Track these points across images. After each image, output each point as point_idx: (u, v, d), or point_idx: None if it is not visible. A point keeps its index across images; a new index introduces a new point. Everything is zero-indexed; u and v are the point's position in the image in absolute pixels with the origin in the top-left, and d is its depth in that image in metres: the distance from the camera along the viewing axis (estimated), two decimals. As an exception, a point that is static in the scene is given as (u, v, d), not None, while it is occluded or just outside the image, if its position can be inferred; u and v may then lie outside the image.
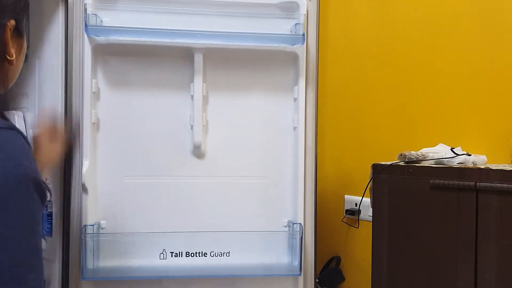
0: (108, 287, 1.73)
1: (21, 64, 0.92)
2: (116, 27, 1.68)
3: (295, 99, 1.82)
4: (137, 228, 1.74)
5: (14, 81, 0.93)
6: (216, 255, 1.78)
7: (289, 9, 1.79)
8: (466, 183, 1.27)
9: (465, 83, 1.66)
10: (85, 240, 1.67)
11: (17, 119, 1.79)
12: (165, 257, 1.76)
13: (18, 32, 0.89)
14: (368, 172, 1.51)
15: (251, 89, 1.83)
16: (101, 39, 1.71)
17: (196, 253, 1.77)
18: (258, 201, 1.84)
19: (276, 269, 1.81)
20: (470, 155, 1.43)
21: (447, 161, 1.42)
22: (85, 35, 1.68)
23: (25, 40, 0.93)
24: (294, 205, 1.81)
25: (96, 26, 1.67)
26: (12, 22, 0.86)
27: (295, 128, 1.82)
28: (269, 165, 1.84)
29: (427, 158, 1.44)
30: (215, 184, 1.80)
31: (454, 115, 1.68)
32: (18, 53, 0.89)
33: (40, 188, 0.76)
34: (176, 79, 1.79)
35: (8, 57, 0.85)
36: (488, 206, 1.24)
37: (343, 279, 2.07)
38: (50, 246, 1.71)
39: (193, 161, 1.80)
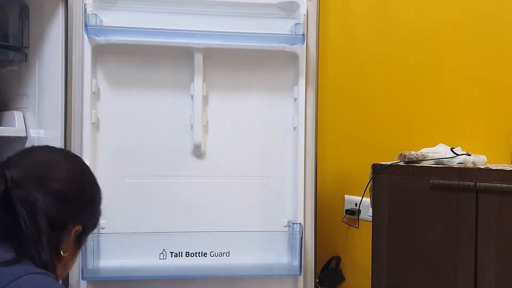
0: (108, 287, 1.73)
1: (67, 267, 1.02)
2: (116, 27, 1.68)
3: (295, 99, 1.82)
4: (137, 228, 1.74)
5: (64, 275, 1.04)
6: (216, 255, 1.78)
7: (289, 9, 1.79)
8: (466, 183, 1.27)
9: (465, 83, 1.66)
10: (85, 240, 1.67)
11: (17, 119, 1.80)
12: (165, 257, 1.76)
13: (78, 241, 1.01)
14: (368, 172, 1.51)
15: (251, 89, 1.83)
16: (101, 39, 1.71)
17: (196, 253, 1.77)
18: (258, 201, 1.84)
19: (276, 269, 1.81)
20: (470, 155, 1.43)
21: (447, 161, 1.42)
22: (85, 35, 1.68)
23: (80, 249, 1.05)
24: (294, 205, 1.81)
25: (96, 26, 1.67)
26: (78, 228, 0.98)
27: (295, 128, 1.82)
28: (269, 165, 1.84)
29: (427, 158, 1.44)
30: (215, 184, 1.80)
31: (454, 115, 1.68)
32: (71, 256, 1.00)
33: None
34: (176, 79, 1.79)
35: (61, 252, 0.96)
36: (488, 206, 1.24)
37: (343, 279, 2.06)
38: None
39: (193, 161, 1.80)
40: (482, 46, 1.61)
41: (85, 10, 1.65)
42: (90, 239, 1.68)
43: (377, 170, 1.48)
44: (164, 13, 1.70)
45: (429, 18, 1.76)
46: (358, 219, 1.95)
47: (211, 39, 1.74)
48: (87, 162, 1.64)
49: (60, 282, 1.00)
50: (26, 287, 0.80)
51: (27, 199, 0.88)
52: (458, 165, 1.38)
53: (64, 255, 0.96)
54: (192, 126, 1.78)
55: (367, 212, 1.87)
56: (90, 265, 1.69)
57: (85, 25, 1.66)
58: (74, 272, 1.71)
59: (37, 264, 0.86)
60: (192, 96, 1.78)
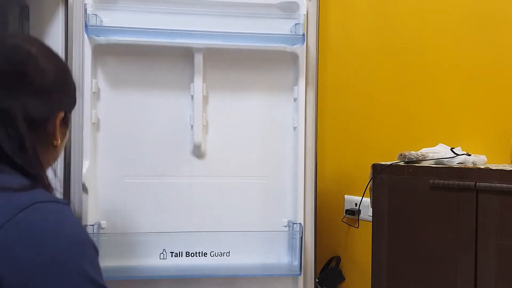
0: (108, 287, 1.73)
1: (62, 148, 1.03)
2: (116, 27, 1.68)
3: (295, 99, 1.82)
4: (137, 228, 1.74)
5: (56, 160, 1.03)
6: (216, 255, 1.78)
7: (289, 9, 1.79)
8: (466, 183, 1.27)
9: (465, 83, 1.66)
10: (85, 240, 1.67)
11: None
12: (165, 257, 1.76)
13: (64, 122, 1.00)
14: (368, 172, 1.51)
15: (251, 89, 1.83)
16: (101, 39, 1.71)
17: (196, 253, 1.77)
18: (258, 201, 1.84)
19: (276, 269, 1.81)
20: (470, 155, 1.43)
21: (447, 161, 1.42)
22: (85, 35, 1.68)
23: (68, 128, 1.04)
24: (294, 205, 1.81)
25: (96, 26, 1.67)
26: (61, 113, 0.96)
27: (295, 128, 1.82)
28: (269, 165, 1.84)
29: (427, 158, 1.44)
30: (215, 184, 1.80)
31: (454, 115, 1.68)
32: (62, 139, 1.00)
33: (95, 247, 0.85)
34: (176, 79, 1.79)
35: (53, 143, 0.95)
36: (488, 206, 1.24)
37: (343, 279, 2.07)
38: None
39: (193, 161, 1.80)
40: (482, 46, 1.61)
41: (85, 10, 1.65)
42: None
43: (377, 170, 1.48)
44: (164, 13, 1.70)
45: (429, 18, 1.76)
46: (358, 219, 1.95)
47: (211, 39, 1.74)
48: (86, 162, 1.68)
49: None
50: (32, 220, 0.75)
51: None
52: (458, 165, 1.38)
53: (57, 143, 0.96)
54: (192, 126, 1.78)
55: (367, 212, 1.87)
56: (90, 265, 1.68)
57: (86, 25, 1.66)
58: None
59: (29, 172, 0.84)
60: (192, 96, 1.78)
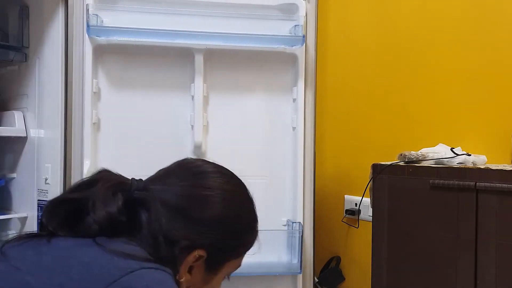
0: None
1: None
2: (117, 27, 1.68)
3: (294, 100, 1.83)
4: (137, 228, 1.74)
5: None
6: (216, 254, 1.78)
7: (289, 11, 1.80)
8: (466, 183, 1.27)
9: (465, 83, 1.66)
10: (86, 240, 1.67)
11: (17, 119, 1.80)
12: (165, 257, 1.76)
13: (208, 266, 0.89)
14: (368, 172, 1.51)
15: (251, 89, 1.84)
16: (102, 39, 1.71)
17: (196, 253, 1.77)
18: (257, 200, 1.81)
19: (275, 267, 1.82)
20: (470, 155, 1.43)
21: (447, 161, 1.42)
22: (86, 35, 1.68)
23: (217, 278, 0.93)
24: (294, 204, 1.82)
25: (97, 26, 1.67)
26: (201, 252, 0.86)
27: (294, 128, 1.83)
28: (268, 164, 1.85)
29: (427, 158, 1.45)
30: (215, 184, 1.80)
31: (454, 115, 1.68)
32: (198, 284, 0.90)
33: None
34: (177, 80, 1.79)
35: (177, 277, 0.85)
36: (488, 206, 1.24)
37: (343, 279, 2.07)
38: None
39: (194, 161, 1.80)
40: (482, 46, 1.62)
41: (87, 10, 1.65)
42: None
43: (377, 170, 1.48)
44: (165, 14, 1.71)
45: (428, 18, 1.76)
46: (358, 219, 1.95)
47: (212, 40, 1.74)
48: (87, 162, 1.67)
49: None
50: (137, 283, 0.74)
51: (147, 198, 0.85)
52: (458, 165, 1.38)
53: (181, 280, 0.86)
54: (192, 126, 1.78)
55: (367, 212, 1.87)
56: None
57: (87, 25, 1.66)
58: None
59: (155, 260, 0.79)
60: (192, 97, 1.78)
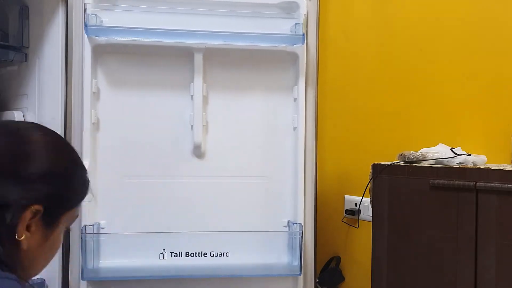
0: (108, 287, 1.73)
1: (40, 254, 0.88)
2: (116, 27, 1.68)
3: (295, 99, 1.82)
4: (137, 228, 1.74)
5: (34, 273, 0.89)
6: (216, 255, 1.78)
7: (289, 9, 1.79)
8: (466, 183, 1.27)
9: (465, 83, 1.66)
10: (85, 240, 1.67)
11: (17, 119, 1.80)
12: (165, 257, 1.76)
13: (46, 221, 0.87)
14: (368, 172, 1.51)
15: (251, 89, 1.83)
16: (101, 39, 1.71)
17: (196, 253, 1.77)
18: (258, 201, 1.84)
19: (276, 269, 1.81)
20: (470, 155, 1.43)
21: (447, 161, 1.41)
22: (85, 35, 1.68)
23: (56, 232, 0.90)
24: (294, 205, 1.81)
25: (96, 26, 1.67)
26: (37, 207, 0.84)
27: (295, 128, 1.82)
28: (269, 165, 1.84)
29: (427, 158, 1.44)
30: (215, 184, 1.80)
31: (454, 115, 1.68)
32: (38, 241, 0.86)
33: None
34: (176, 79, 1.79)
35: (16, 236, 0.82)
36: (488, 206, 1.24)
37: (343, 279, 2.06)
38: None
39: (193, 161, 1.80)
40: (482, 46, 1.61)
41: (85, 10, 1.65)
42: (90, 239, 1.68)
43: (377, 170, 1.48)
44: (164, 13, 1.70)
45: (429, 18, 1.76)
46: (358, 219, 1.95)
47: (211, 39, 1.74)
48: (87, 162, 1.67)
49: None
50: None
51: None
52: (458, 165, 1.38)
53: (20, 239, 0.82)
54: (192, 126, 1.78)
55: (367, 212, 1.87)
56: (90, 265, 1.69)
57: (85, 25, 1.66)
58: (74, 272, 1.71)
59: None
60: (192, 96, 1.78)
